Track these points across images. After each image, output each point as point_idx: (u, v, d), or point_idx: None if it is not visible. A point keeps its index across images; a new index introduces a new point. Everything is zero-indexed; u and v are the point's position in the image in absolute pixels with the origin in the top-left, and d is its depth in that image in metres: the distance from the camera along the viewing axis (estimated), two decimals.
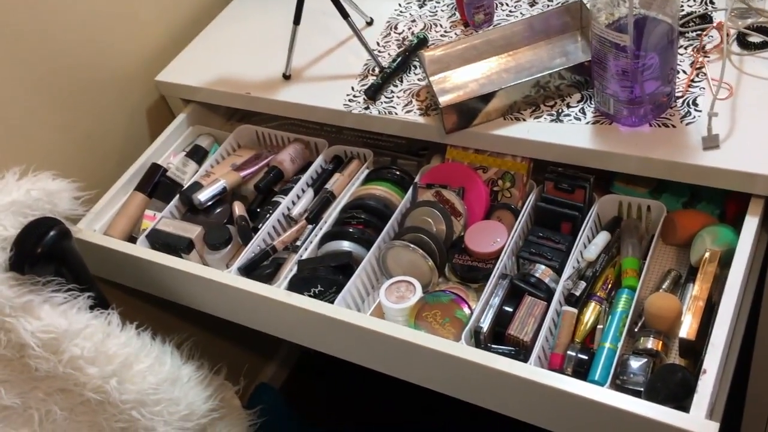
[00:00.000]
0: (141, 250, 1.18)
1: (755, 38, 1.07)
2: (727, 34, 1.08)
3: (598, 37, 0.98)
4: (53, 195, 1.09)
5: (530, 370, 0.88)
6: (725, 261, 0.95)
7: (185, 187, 1.27)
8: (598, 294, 0.99)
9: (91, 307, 1.06)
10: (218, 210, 1.25)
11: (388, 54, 1.28)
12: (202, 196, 1.23)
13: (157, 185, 1.30)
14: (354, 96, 1.22)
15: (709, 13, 1.14)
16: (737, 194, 0.98)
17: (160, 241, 1.19)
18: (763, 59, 1.05)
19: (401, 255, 1.09)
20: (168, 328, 1.21)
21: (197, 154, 1.35)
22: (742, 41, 1.08)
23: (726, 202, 1.04)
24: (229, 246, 1.19)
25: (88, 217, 1.24)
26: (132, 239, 1.24)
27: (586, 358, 0.93)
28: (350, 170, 1.25)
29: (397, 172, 1.20)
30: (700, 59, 1.08)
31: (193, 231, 1.19)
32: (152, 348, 1.10)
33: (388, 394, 1.40)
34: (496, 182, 1.15)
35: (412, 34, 1.31)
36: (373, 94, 1.19)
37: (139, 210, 1.27)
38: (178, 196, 1.26)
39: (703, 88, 1.04)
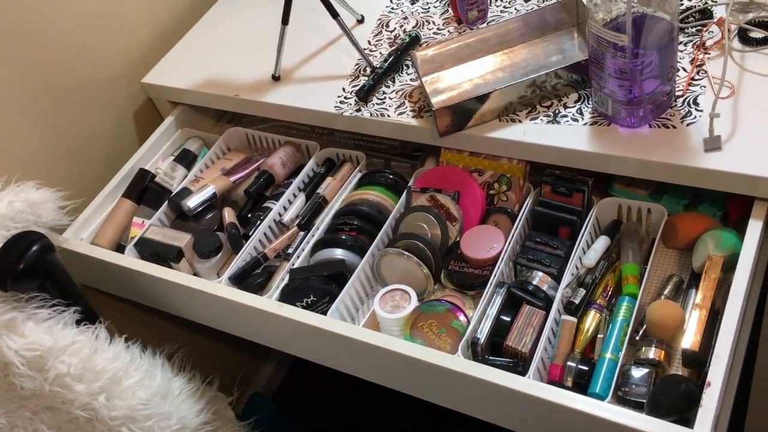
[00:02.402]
0: (129, 260, 1.15)
1: (757, 34, 1.03)
2: (728, 30, 1.04)
3: (595, 36, 0.94)
4: (37, 206, 1.06)
5: (528, 384, 0.85)
6: (728, 266, 0.92)
7: (174, 193, 1.24)
8: (598, 302, 0.96)
9: (78, 322, 1.04)
10: (208, 216, 1.22)
11: (380, 53, 1.25)
12: (191, 202, 1.20)
13: (145, 191, 1.27)
14: (345, 97, 1.19)
15: (709, 7, 1.10)
16: (740, 196, 0.95)
17: (149, 249, 1.16)
18: (766, 55, 1.02)
19: (395, 262, 1.06)
20: (159, 339, 1.19)
21: (186, 159, 1.32)
22: (744, 37, 1.04)
23: (728, 205, 1.01)
24: (220, 254, 1.16)
25: (74, 226, 1.21)
26: (120, 247, 1.21)
27: (587, 368, 0.90)
28: (342, 174, 1.22)
29: (391, 176, 1.17)
30: (701, 56, 1.04)
31: (182, 239, 1.16)
32: (142, 361, 1.07)
33: (383, 400, 1.38)
34: (492, 185, 1.12)
35: (404, 32, 1.27)
36: (364, 95, 1.16)
37: (127, 217, 1.24)
38: (166, 202, 1.23)
39: (704, 87, 1.01)
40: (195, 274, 1.16)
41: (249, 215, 1.23)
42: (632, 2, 0.89)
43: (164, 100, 1.38)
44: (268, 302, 1.03)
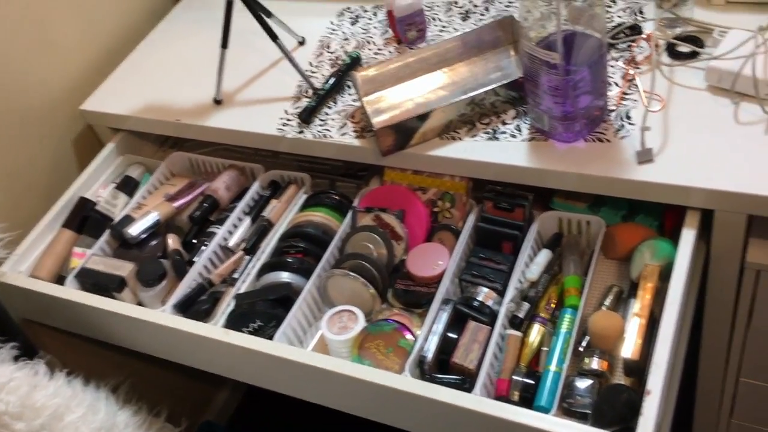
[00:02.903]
0: (70, 291, 1.12)
1: (684, 48, 1.07)
2: (657, 45, 1.08)
3: (528, 54, 0.96)
4: None
5: (475, 401, 0.86)
6: (665, 275, 0.94)
7: (116, 221, 1.22)
8: (542, 315, 0.98)
9: (16, 357, 1.00)
10: (152, 243, 1.20)
11: (322, 74, 1.25)
12: (134, 230, 1.18)
13: (85, 220, 1.24)
14: (288, 120, 1.19)
15: (639, 23, 1.14)
16: (674, 206, 0.98)
17: (90, 280, 1.14)
18: (694, 69, 1.05)
19: (342, 283, 1.06)
20: (103, 370, 1.16)
21: (128, 186, 1.30)
22: (672, 51, 1.08)
23: (664, 215, 1.04)
24: (164, 282, 1.14)
25: (12, 258, 1.18)
26: (61, 279, 1.18)
27: (533, 382, 0.91)
28: (287, 196, 1.21)
29: (336, 197, 1.17)
30: (631, 71, 1.07)
31: (125, 268, 1.14)
32: (84, 396, 1.04)
33: (339, 423, 1.37)
34: (436, 203, 1.13)
35: (345, 53, 1.28)
36: (306, 117, 1.16)
37: (67, 248, 1.21)
38: (108, 231, 1.21)
39: (636, 101, 1.04)
40: (139, 304, 1.14)
41: (194, 241, 1.21)
42: (562, 21, 0.91)
43: (104, 126, 1.36)
44: (214, 329, 1.02)
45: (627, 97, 1.05)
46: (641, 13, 1.16)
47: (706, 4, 1.12)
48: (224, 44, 1.21)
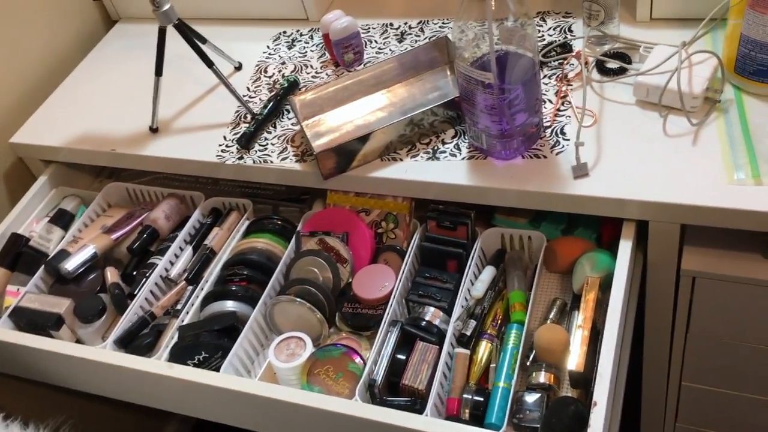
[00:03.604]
0: (4, 332, 1.08)
1: (612, 64, 1.10)
2: (586, 62, 1.11)
3: (463, 75, 0.98)
4: None
5: (425, 421, 0.86)
6: (606, 285, 0.97)
7: (51, 256, 1.18)
8: (489, 332, 0.98)
9: None
10: (90, 278, 1.17)
11: (260, 99, 1.25)
12: (70, 265, 1.14)
13: (18, 257, 1.20)
14: (227, 146, 1.17)
15: (569, 41, 1.17)
16: (611, 218, 1.00)
17: (26, 319, 1.10)
18: (623, 84, 1.08)
19: (288, 309, 1.05)
20: (44, 411, 1.12)
21: (62, 219, 1.26)
22: (601, 68, 1.11)
23: (602, 227, 1.06)
24: (104, 317, 1.10)
25: None
26: None
27: (482, 399, 0.91)
28: (229, 223, 1.19)
29: (279, 222, 1.16)
30: (564, 88, 1.10)
31: (61, 305, 1.10)
32: None
33: None
34: (380, 224, 1.13)
35: (283, 77, 1.27)
36: (245, 143, 1.15)
37: None
38: (43, 267, 1.17)
39: (569, 117, 1.07)
40: (78, 341, 1.10)
41: (134, 273, 1.18)
42: (495, 42, 0.93)
43: (36, 159, 1.32)
44: (158, 364, 0.99)
45: (561, 113, 1.08)
46: (570, 31, 1.20)
47: (632, 21, 1.16)
48: (158, 72, 1.19)
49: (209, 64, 1.18)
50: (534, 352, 0.96)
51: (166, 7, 1.13)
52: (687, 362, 1.15)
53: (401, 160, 1.08)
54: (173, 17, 1.15)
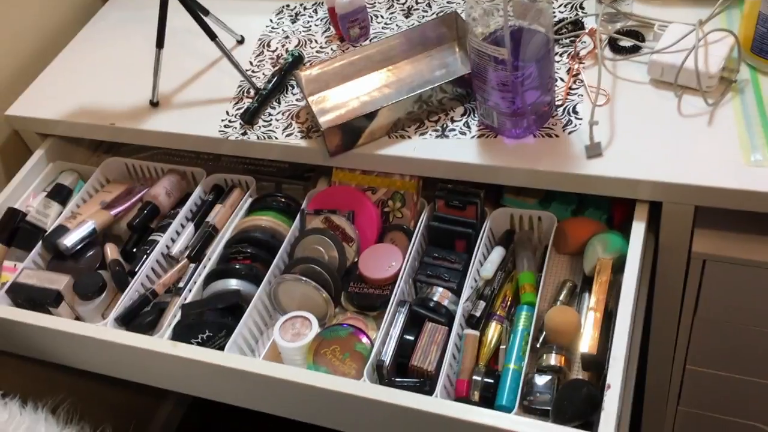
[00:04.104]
0: (2, 308, 1.05)
1: (626, 42, 1.08)
2: (600, 40, 1.09)
3: (475, 50, 0.95)
4: None
5: (436, 403, 0.84)
6: (617, 267, 0.95)
7: (48, 232, 1.15)
8: (498, 313, 0.97)
9: None
10: (89, 254, 1.14)
11: (263, 74, 1.22)
12: (69, 240, 1.12)
13: (15, 232, 1.17)
14: (230, 121, 1.15)
15: (580, 19, 1.15)
16: (623, 199, 0.99)
17: (24, 295, 1.07)
18: (636, 63, 1.06)
19: (293, 289, 1.03)
20: (42, 390, 1.10)
21: (60, 194, 1.23)
22: (614, 46, 1.09)
23: (612, 208, 1.05)
24: (104, 294, 1.08)
25: None
26: None
27: (492, 381, 0.90)
28: (232, 200, 1.17)
29: (283, 200, 1.14)
30: (576, 66, 1.08)
31: (60, 281, 1.08)
32: (23, 418, 0.99)
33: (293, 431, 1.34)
34: (387, 203, 1.11)
35: (287, 51, 1.25)
36: (249, 118, 1.13)
37: None
38: (40, 242, 1.14)
39: (581, 95, 1.05)
40: (77, 318, 1.08)
41: (134, 250, 1.16)
42: (509, 16, 0.90)
43: (32, 132, 1.29)
44: (161, 342, 0.97)
45: (573, 92, 1.05)
46: (582, 8, 1.17)
47: None
48: (159, 44, 1.16)
49: (212, 36, 1.15)
50: (544, 333, 0.94)
51: None
52: (692, 345, 1.14)
53: (409, 137, 1.06)
54: None
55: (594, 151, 0.96)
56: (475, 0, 0.92)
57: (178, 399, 1.80)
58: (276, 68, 1.20)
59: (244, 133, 1.12)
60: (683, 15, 1.08)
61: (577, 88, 1.06)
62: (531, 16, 0.93)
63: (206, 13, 1.20)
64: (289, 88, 1.18)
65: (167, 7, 1.13)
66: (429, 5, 1.27)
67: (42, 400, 1.06)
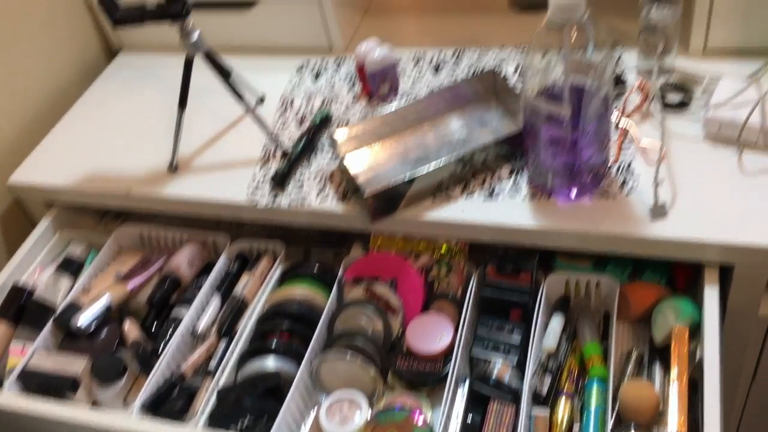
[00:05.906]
0: (11, 398, 0.95)
1: (674, 97, 1.05)
2: (652, 96, 1.05)
3: (530, 107, 0.91)
4: None
5: None
6: (690, 335, 0.89)
7: (60, 310, 1.06)
8: (565, 388, 0.90)
9: None
10: (104, 332, 1.04)
11: (288, 134, 1.15)
12: (83, 320, 1.02)
13: (21, 311, 1.07)
14: (258, 185, 1.08)
15: (621, 74, 1.11)
16: (684, 262, 0.93)
17: (36, 382, 0.97)
18: (686, 118, 1.03)
19: (337, 367, 0.95)
20: None
21: (70, 267, 1.14)
22: (661, 102, 1.05)
23: (674, 271, 0.99)
24: (125, 377, 0.99)
25: None
26: None
27: None
28: (261, 269, 1.09)
29: (317, 268, 1.06)
30: (627, 122, 1.04)
31: (77, 365, 0.98)
32: None
33: None
34: (431, 270, 1.04)
35: (312, 111, 1.19)
36: (281, 181, 1.06)
37: (1, 344, 1.04)
38: (51, 322, 1.04)
39: (633, 153, 1.00)
40: (94, 404, 0.98)
41: (154, 325, 1.06)
42: (569, 73, 0.86)
43: (36, 201, 1.20)
44: (196, 431, 0.88)
45: (624, 149, 1.01)
46: (620, 62, 1.14)
47: (684, 52, 1.12)
48: (182, 104, 1.09)
49: (239, 97, 1.09)
50: (617, 408, 0.87)
51: (195, 36, 1.04)
52: (747, 411, 1.09)
53: (455, 199, 1.00)
54: (202, 46, 1.05)
55: (659, 212, 0.91)
56: (535, 54, 0.87)
57: None
58: (304, 128, 1.14)
59: (275, 198, 1.05)
60: (724, 69, 1.05)
61: (629, 146, 1.01)
62: (590, 73, 0.89)
63: (229, 73, 1.14)
64: (319, 148, 1.12)
65: (192, 65, 1.07)
66: (456, 62, 1.23)
67: None
